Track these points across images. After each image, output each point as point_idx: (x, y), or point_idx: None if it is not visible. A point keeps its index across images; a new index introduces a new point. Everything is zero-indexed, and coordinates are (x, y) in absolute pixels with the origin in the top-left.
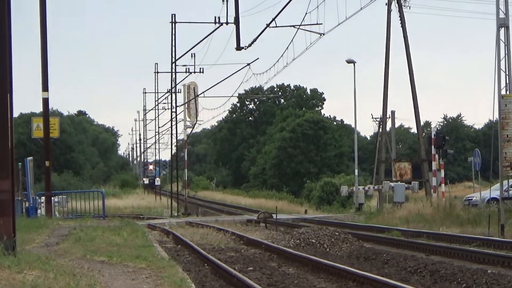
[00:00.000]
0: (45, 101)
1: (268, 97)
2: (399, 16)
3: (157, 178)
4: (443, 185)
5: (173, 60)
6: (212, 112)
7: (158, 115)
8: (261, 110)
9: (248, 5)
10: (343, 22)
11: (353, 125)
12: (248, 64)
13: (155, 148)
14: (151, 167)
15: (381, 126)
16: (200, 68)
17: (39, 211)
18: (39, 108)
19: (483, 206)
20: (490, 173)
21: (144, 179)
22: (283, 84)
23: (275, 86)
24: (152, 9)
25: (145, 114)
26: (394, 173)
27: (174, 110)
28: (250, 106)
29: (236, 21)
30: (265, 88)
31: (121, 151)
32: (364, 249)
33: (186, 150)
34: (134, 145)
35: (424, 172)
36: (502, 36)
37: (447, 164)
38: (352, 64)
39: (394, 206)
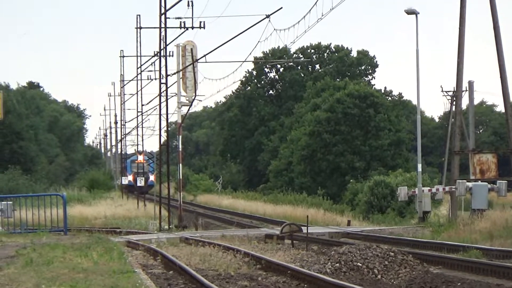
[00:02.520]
0: None
1: (296, 62)
2: None
3: (151, 178)
4: None
5: (163, 10)
6: (218, 84)
7: (141, 88)
8: (286, 81)
9: None
10: None
11: (415, 102)
12: (268, 16)
13: (137, 134)
14: (140, 157)
15: (454, 103)
16: (201, 22)
17: None
18: None
19: None
20: None
21: (123, 177)
22: (319, 43)
23: (307, 46)
24: None
25: (123, 87)
26: (472, 169)
27: (163, 80)
28: (271, 75)
29: None
30: (291, 50)
31: (90, 138)
32: (431, 275)
33: (180, 137)
34: (108, 131)
35: None
36: None
37: None
38: (414, 15)
39: (472, 215)
